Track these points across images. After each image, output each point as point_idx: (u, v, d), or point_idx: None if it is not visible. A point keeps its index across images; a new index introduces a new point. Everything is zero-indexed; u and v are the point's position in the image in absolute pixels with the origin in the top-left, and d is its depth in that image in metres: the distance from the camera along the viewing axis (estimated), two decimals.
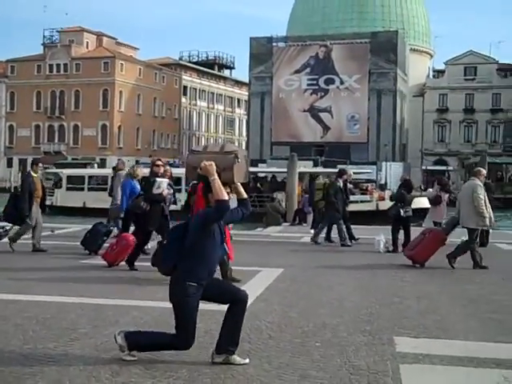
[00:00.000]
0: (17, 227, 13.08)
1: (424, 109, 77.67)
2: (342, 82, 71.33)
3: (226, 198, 5.17)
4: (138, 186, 12.25)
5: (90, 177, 37.72)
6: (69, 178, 37.02)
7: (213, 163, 5.23)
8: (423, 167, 64.58)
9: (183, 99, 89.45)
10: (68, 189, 36.46)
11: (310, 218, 24.20)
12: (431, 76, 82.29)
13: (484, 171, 12.12)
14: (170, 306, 7.50)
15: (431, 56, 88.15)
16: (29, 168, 13.97)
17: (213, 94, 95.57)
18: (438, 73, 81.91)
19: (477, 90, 75.85)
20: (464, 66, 76.71)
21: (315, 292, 8.91)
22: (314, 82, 72.24)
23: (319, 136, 72.10)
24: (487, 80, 75.62)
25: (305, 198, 25.03)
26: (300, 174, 30.07)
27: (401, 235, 14.18)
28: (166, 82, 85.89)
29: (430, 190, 19.41)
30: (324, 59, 71.92)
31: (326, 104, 71.91)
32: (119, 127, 78.41)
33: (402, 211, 14.25)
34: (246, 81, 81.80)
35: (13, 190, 13.80)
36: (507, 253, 14.67)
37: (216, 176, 5.16)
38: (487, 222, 11.42)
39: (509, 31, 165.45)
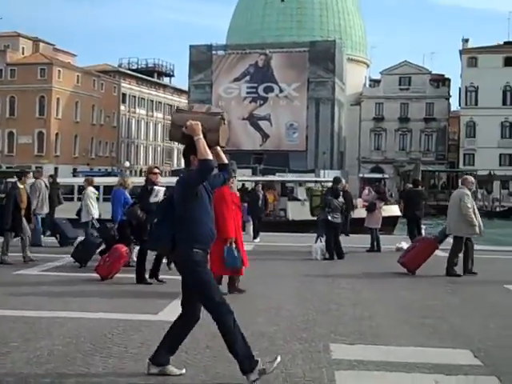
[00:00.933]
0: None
1: (361, 117, 79.03)
2: (281, 91, 71.93)
3: (211, 157, 5.05)
4: (129, 196, 12.49)
5: (67, 186, 36.56)
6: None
7: (199, 123, 5.11)
8: (360, 175, 65.61)
9: (122, 107, 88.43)
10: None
11: (250, 226, 24.27)
12: (368, 85, 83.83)
13: (471, 179, 12.26)
14: (106, 316, 7.42)
15: (367, 66, 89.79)
16: (15, 179, 13.82)
17: (152, 101, 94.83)
18: (374, 82, 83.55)
19: (411, 100, 77.67)
20: (399, 76, 78.48)
21: (252, 300, 8.92)
22: (254, 90, 72.64)
23: (258, 144, 72.46)
24: (421, 90, 77.55)
25: (244, 206, 25.04)
26: (272, 182, 30.29)
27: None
28: (105, 89, 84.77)
29: (366, 191, 19.82)
30: (263, 67, 72.43)
31: (265, 112, 72.37)
32: (56, 135, 76.85)
33: (329, 216, 14.46)
34: (186, 89, 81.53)
35: None
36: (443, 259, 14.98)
37: (201, 136, 5.06)
38: (476, 230, 11.51)
39: (441, 43, 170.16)
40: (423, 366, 5.61)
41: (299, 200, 27.14)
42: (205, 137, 5.08)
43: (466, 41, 75.01)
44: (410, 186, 18.75)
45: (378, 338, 6.73)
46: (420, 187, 18.09)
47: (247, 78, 72.94)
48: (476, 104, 73.71)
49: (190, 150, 5.16)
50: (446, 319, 7.77)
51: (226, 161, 5.41)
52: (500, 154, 72.46)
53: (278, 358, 5.17)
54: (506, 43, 74.74)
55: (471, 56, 73.98)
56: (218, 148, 5.34)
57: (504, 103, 73.33)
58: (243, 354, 5.07)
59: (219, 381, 5.11)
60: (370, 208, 17.14)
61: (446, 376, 5.33)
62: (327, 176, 52.24)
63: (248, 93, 72.96)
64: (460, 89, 75.73)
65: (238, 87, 73.18)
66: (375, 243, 16.47)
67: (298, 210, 24.05)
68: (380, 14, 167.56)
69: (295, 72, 70.69)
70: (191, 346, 6.13)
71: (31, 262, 12.48)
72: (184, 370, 5.29)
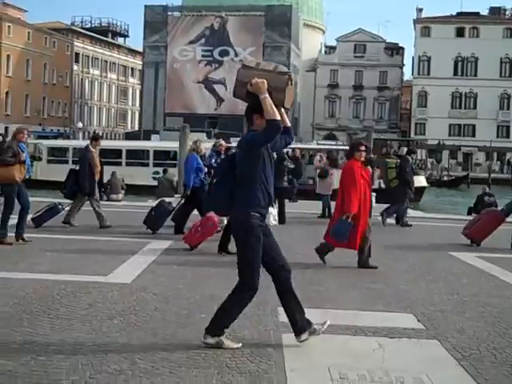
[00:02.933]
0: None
1: (316, 84, 79.13)
2: (236, 54, 71.35)
3: (279, 117, 4.84)
4: (201, 162, 12.31)
5: (76, 149, 35.84)
6: (51, 150, 35.23)
7: (265, 81, 4.87)
8: (314, 141, 65.92)
9: (75, 66, 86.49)
10: (50, 161, 34.33)
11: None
12: (323, 52, 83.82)
13: None
14: (55, 278, 7.37)
15: (323, 32, 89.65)
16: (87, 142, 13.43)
17: (106, 62, 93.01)
18: (330, 49, 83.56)
19: (366, 68, 78.08)
20: (354, 43, 78.65)
21: (204, 263, 8.96)
22: (209, 53, 71.95)
23: (213, 108, 72.05)
24: (375, 58, 77.98)
25: None
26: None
27: None
28: (57, 47, 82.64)
29: (318, 157, 19.92)
30: (219, 30, 71.71)
31: (221, 76, 71.79)
32: (7, 93, 74.80)
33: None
34: (141, 50, 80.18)
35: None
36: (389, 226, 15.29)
37: (267, 94, 4.82)
38: None
39: (396, 12, 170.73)
40: (368, 329, 5.74)
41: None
42: (270, 96, 4.85)
43: (420, 10, 75.52)
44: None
45: (325, 302, 6.85)
46: (371, 155, 18.32)
47: (202, 40, 72.13)
48: (428, 74, 74.62)
49: (253, 108, 4.97)
50: (391, 284, 7.96)
51: (289, 123, 5.17)
52: (450, 124, 73.75)
53: (328, 322, 5.28)
54: (458, 14, 75.52)
55: (424, 26, 74.63)
56: (282, 110, 5.11)
57: (455, 73, 74.41)
58: (222, 322, 5.10)
59: (167, 342, 5.14)
60: (322, 175, 17.34)
61: (389, 339, 5.47)
62: None
63: (203, 56, 72.24)
64: (413, 58, 76.47)
65: (193, 50, 72.37)
66: (327, 209, 16.67)
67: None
68: None
69: (251, 36, 70.21)
70: (140, 309, 6.15)
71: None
72: (240, 344, 5.14)
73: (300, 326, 5.21)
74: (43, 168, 34.30)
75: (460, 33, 74.10)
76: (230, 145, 12.62)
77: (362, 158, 9.17)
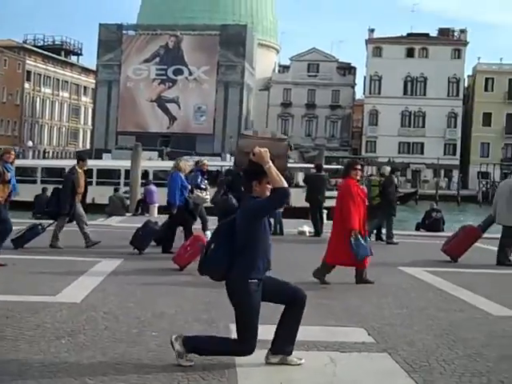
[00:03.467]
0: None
1: (269, 102, 79.67)
2: (190, 73, 71.54)
3: (285, 184, 4.82)
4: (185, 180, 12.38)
5: (45, 169, 34.73)
6: (17, 169, 34.31)
7: (267, 150, 4.85)
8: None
9: (26, 85, 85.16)
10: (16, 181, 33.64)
11: (155, 209, 24.20)
12: (277, 71, 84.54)
13: None
14: (3, 299, 7.21)
15: (277, 51, 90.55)
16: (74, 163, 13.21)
17: (58, 80, 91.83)
18: (284, 68, 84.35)
19: (318, 87, 78.99)
20: (307, 62, 79.59)
21: (155, 281, 8.89)
22: (163, 71, 71.91)
23: (166, 126, 71.89)
24: (328, 77, 79.00)
25: (146, 188, 25.18)
26: None
27: None
28: (8, 65, 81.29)
29: None
30: (174, 49, 71.80)
31: (174, 94, 71.83)
32: None
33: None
34: (94, 68, 79.56)
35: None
36: None
37: (271, 163, 4.79)
38: None
39: (349, 32, 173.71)
40: (320, 344, 5.78)
41: (300, 186, 27.04)
42: (273, 163, 4.84)
43: (371, 31, 76.94)
44: (314, 171, 19.04)
45: (277, 318, 6.84)
46: (323, 172, 18.42)
47: (157, 59, 72.08)
48: (379, 93, 75.95)
49: (253, 175, 4.95)
50: (342, 300, 8.01)
51: (285, 185, 4.96)
52: (399, 142, 75.08)
53: (302, 361, 5.22)
54: (408, 35, 77.19)
55: (376, 46, 76.07)
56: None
57: (405, 93, 75.90)
58: (287, 338, 5.22)
59: (117, 361, 5.07)
60: None
61: (340, 353, 5.51)
62: (233, 160, 52.54)
63: (157, 74, 72.20)
64: (365, 77, 77.75)
65: (148, 68, 72.22)
66: (278, 226, 16.70)
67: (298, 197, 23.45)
68: (291, 1, 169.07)
69: (205, 55, 70.45)
70: (89, 328, 6.06)
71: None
72: (303, 360, 5.19)
73: (279, 347, 5.21)
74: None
75: (410, 53, 75.74)
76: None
77: (358, 177, 9.38)
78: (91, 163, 39.65)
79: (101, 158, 47.12)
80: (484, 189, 62.20)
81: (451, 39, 77.58)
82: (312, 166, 16.93)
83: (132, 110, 71.15)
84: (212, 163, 27.78)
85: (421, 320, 6.94)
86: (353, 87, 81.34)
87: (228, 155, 55.09)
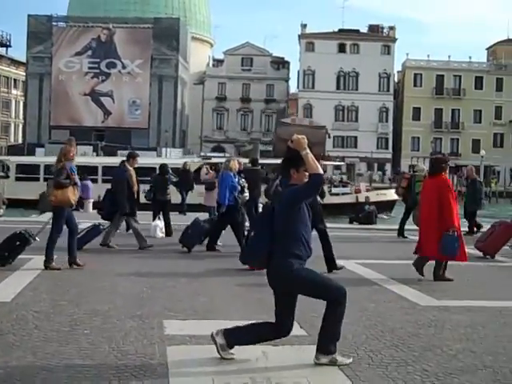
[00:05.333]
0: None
1: (204, 96, 79.41)
2: (124, 67, 70.52)
3: (321, 171, 4.91)
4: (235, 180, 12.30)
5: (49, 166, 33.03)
6: (19, 166, 32.61)
7: (305, 137, 4.93)
8: (202, 153, 66.15)
9: None
10: (18, 179, 31.89)
11: (89, 204, 23.89)
12: (211, 65, 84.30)
13: None
14: None
15: (211, 45, 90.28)
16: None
17: None
18: (218, 62, 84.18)
19: (253, 81, 79.19)
20: (241, 56, 79.64)
21: (88, 278, 8.80)
22: (96, 65, 70.60)
23: (100, 121, 70.70)
24: (262, 71, 79.30)
25: (81, 184, 24.64)
26: None
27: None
28: None
29: (204, 170, 20.00)
30: (106, 42, 70.55)
31: (108, 88, 70.68)
32: None
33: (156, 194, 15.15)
34: (24, 60, 77.39)
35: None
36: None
37: (308, 150, 4.87)
38: None
39: (282, 26, 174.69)
40: None
41: None
42: (310, 150, 4.92)
43: (304, 26, 77.57)
44: (249, 165, 19.10)
45: (210, 312, 6.91)
46: (259, 166, 18.50)
47: (89, 52, 70.71)
48: (313, 87, 76.75)
49: (291, 163, 5.03)
50: None
51: (321, 171, 5.05)
52: (334, 136, 76.01)
53: (350, 360, 5.19)
54: (340, 30, 78.23)
55: (309, 41, 76.80)
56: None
57: (338, 87, 76.95)
58: (331, 338, 5.14)
59: (48, 361, 5.01)
60: (209, 187, 17.40)
61: (272, 347, 5.58)
62: (169, 154, 52.24)
63: (90, 68, 70.79)
64: (298, 72, 78.41)
65: (80, 61, 70.76)
66: None
67: None
68: None
69: (139, 48, 69.58)
70: (19, 328, 5.97)
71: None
72: (351, 359, 5.18)
73: (326, 347, 5.19)
74: (10, 186, 32.05)
75: (342, 48, 76.80)
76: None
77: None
78: (20, 159, 38.84)
79: (34, 152, 46.01)
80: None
81: (380, 35, 78.99)
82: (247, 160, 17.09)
83: (65, 104, 69.64)
84: (146, 161, 27.56)
85: (351, 312, 7.05)
86: (287, 81, 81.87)
87: (164, 149, 54.74)
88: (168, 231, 14.80)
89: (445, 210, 9.04)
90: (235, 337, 5.21)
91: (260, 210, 17.72)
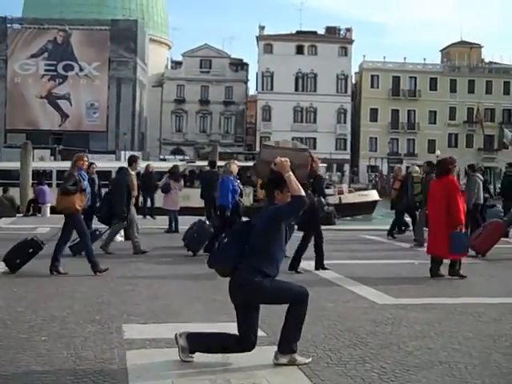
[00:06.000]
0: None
1: (162, 99, 79.02)
2: (81, 69, 69.71)
3: (303, 193, 5.02)
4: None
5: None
6: None
7: (288, 160, 5.06)
8: (161, 156, 65.80)
9: None
10: None
11: (47, 209, 23.53)
12: (169, 67, 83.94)
13: None
14: None
15: (169, 47, 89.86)
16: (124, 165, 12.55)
17: None
18: (176, 64, 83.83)
19: (211, 83, 79.06)
20: (200, 58, 79.44)
21: (46, 284, 8.71)
22: (52, 67, 69.61)
23: (57, 124, 69.74)
24: (221, 73, 79.25)
25: (38, 188, 24.34)
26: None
27: None
28: None
29: (163, 180, 19.76)
30: (63, 44, 69.63)
31: (65, 91, 69.77)
32: None
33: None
34: None
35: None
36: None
37: (291, 172, 5.00)
38: None
39: (240, 28, 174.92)
40: None
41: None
42: (293, 172, 5.05)
43: (262, 28, 77.80)
44: (208, 167, 19.09)
45: (170, 316, 6.91)
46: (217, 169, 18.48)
47: (45, 54, 69.68)
48: (271, 89, 77.01)
49: (275, 184, 5.15)
50: None
51: (303, 193, 5.13)
52: (293, 137, 76.25)
53: (309, 359, 5.26)
54: (298, 32, 78.69)
55: (267, 43, 77.06)
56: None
57: (296, 89, 77.39)
58: (295, 337, 5.20)
59: (4, 369, 4.95)
60: (165, 190, 17.32)
61: None
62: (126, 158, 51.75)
63: (46, 70, 69.74)
64: (257, 74, 78.62)
65: (36, 64, 69.69)
66: (173, 224, 16.70)
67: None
68: None
69: (96, 50, 68.84)
70: None
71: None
72: (310, 359, 5.28)
73: (286, 347, 5.25)
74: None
75: (300, 50, 77.25)
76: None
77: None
78: None
79: None
80: (374, 181, 64.47)
81: (338, 37, 79.66)
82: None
83: (21, 107, 68.49)
84: (104, 164, 27.22)
85: (311, 312, 7.08)
86: (246, 83, 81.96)
87: (122, 152, 54.27)
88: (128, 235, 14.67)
89: (452, 210, 9.48)
90: (198, 342, 5.24)
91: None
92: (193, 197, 22.16)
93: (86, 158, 10.25)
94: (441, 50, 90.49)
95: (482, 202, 15.45)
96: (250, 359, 5.34)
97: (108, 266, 9.74)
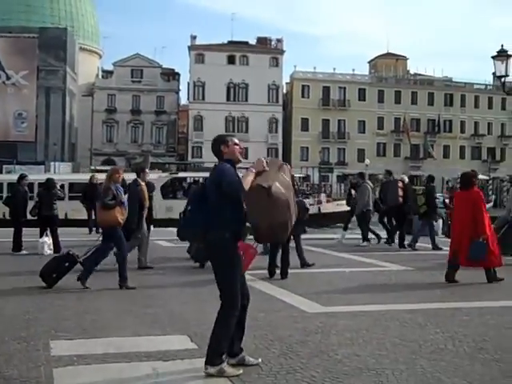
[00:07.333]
0: None
1: (93, 108, 77.85)
2: (8, 78, 67.99)
3: (242, 190, 5.21)
4: None
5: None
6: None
7: (264, 162, 5.59)
8: (92, 167, 64.80)
9: None
10: None
11: None
12: (100, 76, 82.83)
13: None
14: None
15: (100, 56, 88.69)
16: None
17: None
18: (107, 73, 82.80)
19: (143, 92, 78.43)
20: (131, 68, 78.71)
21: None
22: None
23: None
24: (152, 83, 78.70)
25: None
26: None
27: None
28: None
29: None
30: None
31: None
32: None
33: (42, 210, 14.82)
34: None
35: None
36: (167, 249, 15.54)
37: (254, 174, 5.44)
38: None
39: (172, 38, 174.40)
40: (143, 354, 5.79)
41: None
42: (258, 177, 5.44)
43: (194, 38, 77.76)
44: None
45: (100, 330, 6.79)
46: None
47: None
48: (203, 99, 76.96)
49: (218, 141, 5.58)
50: (166, 307, 8.10)
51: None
52: None
53: (240, 371, 5.23)
54: (229, 42, 79.04)
55: (198, 53, 77.02)
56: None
57: (228, 99, 77.61)
58: (217, 348, 5.21)
59: None
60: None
61: (163, 362, 5.57)
62: (58, 169, 50.82)
63: None
64: (188, 83, 78.44)
65: None
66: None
67: None
68: (112, 5, 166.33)
69: (23, 59, 67.26)
70: None
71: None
72: (260, 359, 5.45)
73: (234, 348, 5.40)
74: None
75: (231, 60, 77.56)
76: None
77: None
78: None
79: None
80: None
81: (269, 48, 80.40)
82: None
83: None
84: (34, 177, 26.50)
85: None
86: (177, 93, 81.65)
87: (52, 163, 53.15)
88: (57, 248, 14.36)
89: (478, 220, 10.05)
90: (215, 353, 5.23)
91: None
92: (176, 208, 21.90)
93: (121, 171, 10.28)
94: (368, 62, 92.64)
95: (371, 208, 16.89)
96: (180, 372, 5.33)
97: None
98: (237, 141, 5.59)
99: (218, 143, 5.55)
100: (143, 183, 11.93)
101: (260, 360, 5.54)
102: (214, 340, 5.27)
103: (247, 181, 5.34)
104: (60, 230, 15.01)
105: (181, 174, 36.42)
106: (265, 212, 5.51)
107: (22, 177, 15.45)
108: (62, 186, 22.83)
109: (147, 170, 12.79)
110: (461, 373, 5.34)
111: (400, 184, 16.95)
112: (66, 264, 9.74)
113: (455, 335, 6.62)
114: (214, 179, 5.33)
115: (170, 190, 33.26)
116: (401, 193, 16.76)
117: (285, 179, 5.85)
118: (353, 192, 17.57)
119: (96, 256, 9.97)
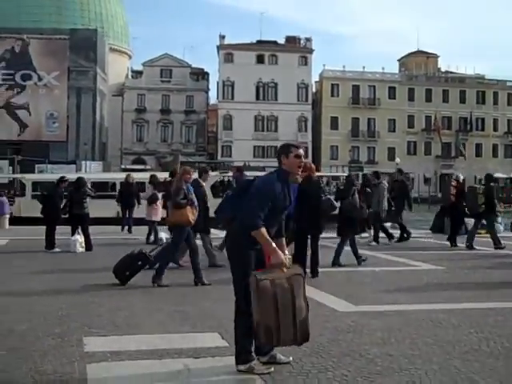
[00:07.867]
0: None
1: (123, 108, 78.51)
2: (40, 79, 68.82)
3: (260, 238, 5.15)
4: None
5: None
6: (34, 184, 30.42)
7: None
8: (122, 166, 65.39)
9: None
10: (34, 197, 29.77)
11: (5, 220, 23.15)
12: (130, 76, 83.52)
13: None
14: None
15: (130, 56, 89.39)
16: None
17: None
18: (137, 73, 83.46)
19: (172, 92, 78.90)
20: (160, 68, 79.29)
21: (4, 298, 8.54)
22: (11, 77, 68.55)
23: (16, 134, 68.65)
24: (182, 82, 79.15)
25: None
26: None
27: None
28: None
29: (147, 191, 19.19)
30: (21, 53, 68.65)
31: (23, 101, 68.73)
32: None
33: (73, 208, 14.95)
34: None
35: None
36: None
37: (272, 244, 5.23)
38: None
39: (201, 37, 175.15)
40: (174, 351, 5.81)
41: None
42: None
43: (222, 37, 78.01)
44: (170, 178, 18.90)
45: (132, 327, 6.84)
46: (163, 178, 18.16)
47: (3, 63, 68.63)
48: (232, 98, 77.21)
49: (280, 150, 5.49)
50: (197, 305, 8.13)
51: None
52: (254, 146, 76.72)
53: (271, 369, 5.22)
54: (258, 42, 79.12)
55: (227, 52, 77.30)
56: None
57: (257, 98, 77.73)
58: (242, 346, 5.24)
59: None
60: (152, 200, 16.91)
61: (194, 359, 5.58)
62: (89, 168, 51.31)
63: (4, 79, 68.70)
64: (218, 83, 78.69)
65: None
66: (153, 235, 16.46)
67: None
68: (141, 5, 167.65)
69: (55, 60, 68.03)
70: None
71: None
72: (272, 368, 5.26)
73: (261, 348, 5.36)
74: (26, 204, 29.98)
75: (260, 59, 77.67)
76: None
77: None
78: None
79: None
80: (335, 189, 64.85)
81: (298, 47, 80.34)
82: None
83: None
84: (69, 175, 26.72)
85: None
86: (206, 92, 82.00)
87: (83, 163, 53.69)
88: (88, 246, 14.53)
89: None
90: (240, 347, 5.27)
91: None
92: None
93: (191, 172, 10.35)
94: (398, 60, 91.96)
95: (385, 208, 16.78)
96: (211, 369, 5.34)
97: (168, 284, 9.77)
98: (300, 152, 5.41)
99: (280, 152, 5.50)
100: (204, 184, 12.00)
101: (291, 358, 5.52)
102: (237, 338, 5.33)
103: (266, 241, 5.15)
104: (91, 229, 15.19)
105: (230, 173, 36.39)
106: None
107: (62, 179, 15.59)
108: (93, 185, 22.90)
109: (210, 172, 12.89)
110: (495, 374, 5.26)
111: (454, 183, 16.60)
112: (139, 262, 9.94)
113: (489, 336, 6.53)
114: (253, 184, 5.35)
115: (220, 189, 33.52)
116: (453, 191, 16.43)
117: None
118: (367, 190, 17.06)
119: (165, 254, 10.14)
